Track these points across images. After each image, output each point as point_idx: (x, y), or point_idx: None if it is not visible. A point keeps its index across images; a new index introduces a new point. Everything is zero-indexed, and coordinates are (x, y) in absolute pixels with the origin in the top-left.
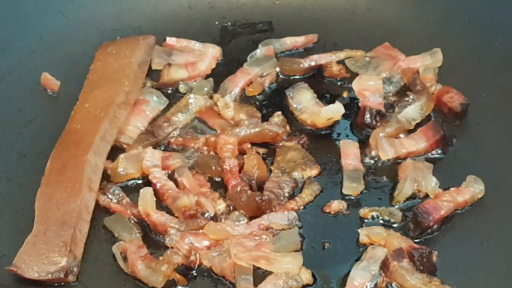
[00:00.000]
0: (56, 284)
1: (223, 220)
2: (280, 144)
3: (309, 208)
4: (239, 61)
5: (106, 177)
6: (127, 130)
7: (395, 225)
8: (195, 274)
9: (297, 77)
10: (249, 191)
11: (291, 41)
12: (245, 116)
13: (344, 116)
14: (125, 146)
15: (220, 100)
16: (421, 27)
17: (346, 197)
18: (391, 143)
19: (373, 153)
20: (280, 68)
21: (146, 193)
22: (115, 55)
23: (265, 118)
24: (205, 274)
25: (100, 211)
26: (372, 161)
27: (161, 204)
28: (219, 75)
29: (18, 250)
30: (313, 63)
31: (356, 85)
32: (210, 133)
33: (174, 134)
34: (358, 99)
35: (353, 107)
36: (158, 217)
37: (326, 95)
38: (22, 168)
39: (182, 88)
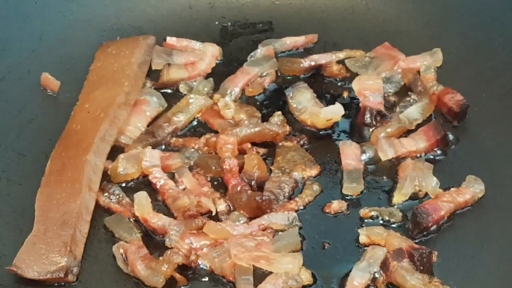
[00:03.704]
0: (56, 284)
1: (223, 220)
2: (280, 144)
3: (309, 208)
4: (239, 61)
5: (106, 177)
6: (127, 130)
7: (395, 225)
8: (195, 274)
9: (297, 77)
10: (249, 191)
11: (291, 41)
12: (245, 116)
13: (344, 116)
14: (124, 146)
15: (220, 100)
16: (421, 27)
17: (346, 197)
18: (390, 143)
19: (372, 151)
20: (280, 68)
21: (141, 198)
22: (115, 55)
23: (265, 118)
24: (205, 274)
25: (100, 211)
26: (371, 161)
27: (159, 204)
28: (219, 75)
29: (18, 250)
30: (313, 63)
31: (356, 85)
32: (210, 133)
33: (174, 134)
34: (358, 99)
35: (353, 107)
36: (156, 221)
37: (326, 95)
38: (22, 168)
39: (182, 88)
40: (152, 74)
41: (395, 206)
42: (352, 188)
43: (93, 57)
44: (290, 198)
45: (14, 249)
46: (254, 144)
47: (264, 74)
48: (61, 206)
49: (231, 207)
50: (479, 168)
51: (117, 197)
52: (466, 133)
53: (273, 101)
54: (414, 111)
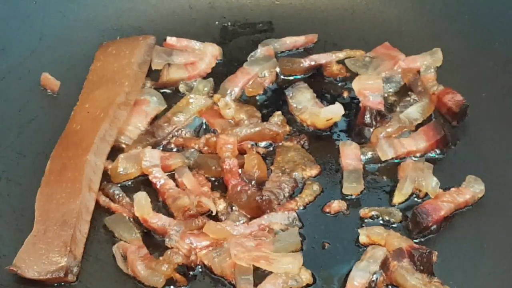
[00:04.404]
0: (56, 284)
1: (223, 220)
2: (280, 144)
3: (309, 208)
4: (239, 61)
5: (106, 177)
6: (127, 130)
7: (395, 225)
8: (195, 274)
9: (297, 77)
10: (249, 191)
11: (291, 41)
12: (245, 116)
13: (344, 116)
14: (124, 146)
15: (220, 100)
16: (421, 27)
17: (346, 197)
18: (390, 143)
19: (372, 151)
20: (280, 68)
21: (140, 198)
22: (115, 55)
23: (265, 118)
24: (205, 274)
25: (100, 211)
26: (371, 161)
27: (159, 204)
28: (219, 75)
29: (18, 250)
30: (313, 63)
31: (356, 85)
32: (210, 133)
33: (174, 134)
34: (358, 99)
35: (353, 107)
36: (156, 221)
37: (326, 95)
38: (22, 168)
39: (182, 88)
40: (152, 74)
41: (395, 206)
42: (352, 188)
43: (93, 57)
44: (290, 198)
45: (14, 249)
46: (254, 144)
47: (264, 74)
48: (61, 206)
49: (231, 207)
50: (479, 168)
51: (117, 197)
52: (466, 133)
53: (273, 101)
54: (414, 111)
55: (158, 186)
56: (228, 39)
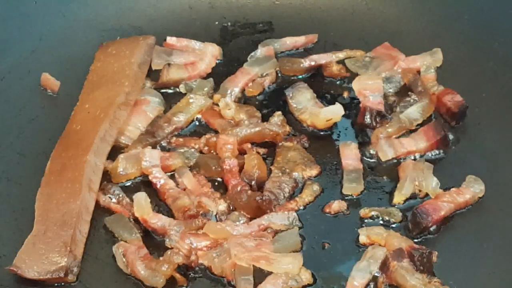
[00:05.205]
0: (56, 284)
1: (223, 220)
2: (280, 144)
3: (309, 208)
4: (239, 61)
5: (106, 177)
6: (127, 130)
7: (395, 225)
8: (195, 274)
9: (297, 77)
10: (249, 191)
11: (291, 41)
12: (245, 116)
13: (344, 116)
14: (124, 146)
15: (220, 100)
16: (421, 27)
17: (346, 197)
18: (390, 143)
19: (372, 152)
20: (280, 68)
21: (140, 199)
22: (115, 55)
23: (265, 118)
24: (205, 274)
25: (100, 211)
26: (372, 160)
27: (159, 204)
28: (219, 75)
29: (18, 250)
30: (313, 63)
31: (356, 85)
32: (210, 133)
33: (174, 134)
34: (358, 99)
35: (353, 107)
36: (156, 222)
37: (326, 95)
38: (22, 168)
39: (182, 88)
40: (152, 74)
41: (395, 206)
42: (352, 188)
43: (93, 57)
44: (290, 198)
45: (14, 249)
46: (254, 144)
47: (264, 74)
48: (61, 206)
49: (231, 207)
50: (479, 168)
51: (117, 197)
52: (466, 133)
53: (273, 101)
54: (414, 111)
55: (158, 186)
56: (228, 39)
